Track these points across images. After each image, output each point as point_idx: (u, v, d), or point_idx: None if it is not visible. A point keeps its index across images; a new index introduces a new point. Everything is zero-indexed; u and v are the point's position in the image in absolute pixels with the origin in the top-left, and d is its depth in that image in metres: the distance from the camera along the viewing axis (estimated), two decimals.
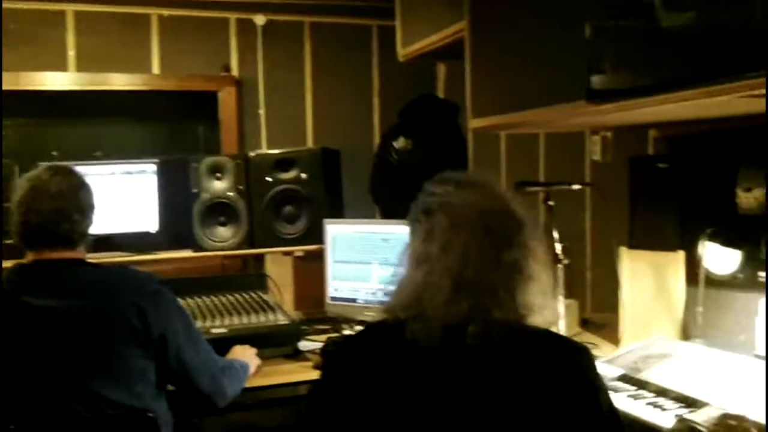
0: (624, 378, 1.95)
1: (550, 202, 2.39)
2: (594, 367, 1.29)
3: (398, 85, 4.15)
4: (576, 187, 2.52)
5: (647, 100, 1.68)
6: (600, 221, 2.98)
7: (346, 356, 1.38)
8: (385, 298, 1.38)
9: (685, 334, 2.34)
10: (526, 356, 1.25)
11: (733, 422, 1.35)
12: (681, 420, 1.36)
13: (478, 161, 3.65)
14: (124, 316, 1.80)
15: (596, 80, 1.82)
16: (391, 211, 3.55)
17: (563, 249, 2.36)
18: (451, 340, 1.24)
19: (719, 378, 1.79)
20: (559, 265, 2.34)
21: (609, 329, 2.60)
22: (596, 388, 1.27)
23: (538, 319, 1.30)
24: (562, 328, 2.47)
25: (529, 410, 1.21)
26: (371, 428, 1.28)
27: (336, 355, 1.47)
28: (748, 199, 2.00)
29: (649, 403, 1.76)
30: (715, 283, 2.22)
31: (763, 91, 1.33)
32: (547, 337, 1.31)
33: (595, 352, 2.13)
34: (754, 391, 1.63)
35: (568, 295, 2.51)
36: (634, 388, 1.87)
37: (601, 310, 2.89)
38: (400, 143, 3.52)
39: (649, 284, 2.47)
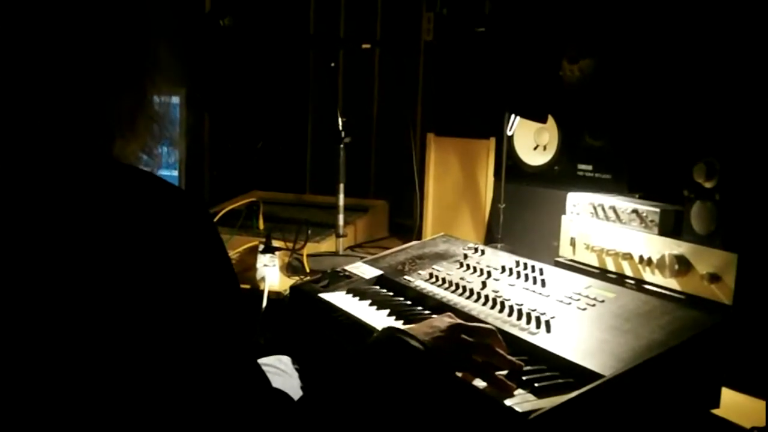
0: (381, 280, 1.55)
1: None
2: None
3: None
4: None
5: None
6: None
7: None
8: None
9: (490, 235, 1.97)
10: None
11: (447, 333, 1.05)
12: (388, 327, 1.06)
13: None
14: None
15: None
16: None
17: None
18: None
19: (497, 285, 1.35)
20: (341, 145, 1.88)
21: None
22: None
23: None
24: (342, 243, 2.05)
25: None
26: None
27: None
28: (573, 71, 1.60)
29: (373, 304, 1.39)
30: (527, 176, 1.84)
31: None
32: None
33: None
34: (539, 304, 1.23)
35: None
36: (390, 293, 1.47)
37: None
38: None
39: (455, 176, 2.09)
